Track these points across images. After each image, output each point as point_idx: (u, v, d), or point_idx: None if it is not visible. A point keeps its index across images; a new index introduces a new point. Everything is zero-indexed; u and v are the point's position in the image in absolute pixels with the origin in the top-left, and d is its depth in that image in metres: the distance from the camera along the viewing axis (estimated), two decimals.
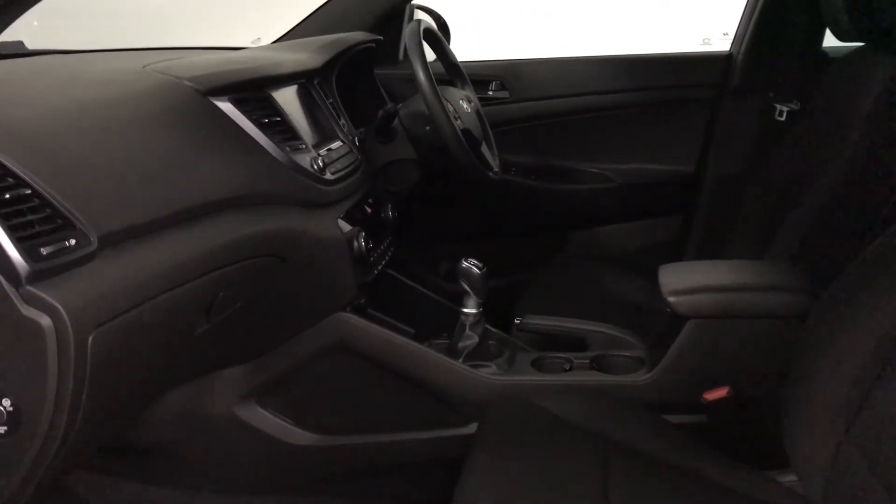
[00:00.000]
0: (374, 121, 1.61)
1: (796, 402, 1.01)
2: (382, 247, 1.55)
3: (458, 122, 1.53)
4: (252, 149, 1.16)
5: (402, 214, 1.65)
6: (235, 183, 1.08)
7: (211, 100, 1.13)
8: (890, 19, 1.53)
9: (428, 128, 1.55)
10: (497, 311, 1.63)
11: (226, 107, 1.15)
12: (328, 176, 1.31)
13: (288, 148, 1.23)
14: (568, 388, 1.36)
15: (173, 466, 1.43)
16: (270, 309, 1.26)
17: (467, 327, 1.46)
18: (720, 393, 1.28)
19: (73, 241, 0.77)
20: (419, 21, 1.54)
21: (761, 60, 1.98)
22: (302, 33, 1.83)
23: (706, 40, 3.07)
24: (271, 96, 1.28)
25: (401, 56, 2.08)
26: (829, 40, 1.79)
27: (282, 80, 1.36)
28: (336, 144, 1.43)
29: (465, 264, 1.44)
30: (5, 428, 0.75)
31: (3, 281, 0.71)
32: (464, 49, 2.16)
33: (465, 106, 1.63)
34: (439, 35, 1.69)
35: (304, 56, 1.49)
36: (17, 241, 0.72)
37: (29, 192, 0.76)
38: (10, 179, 0.75)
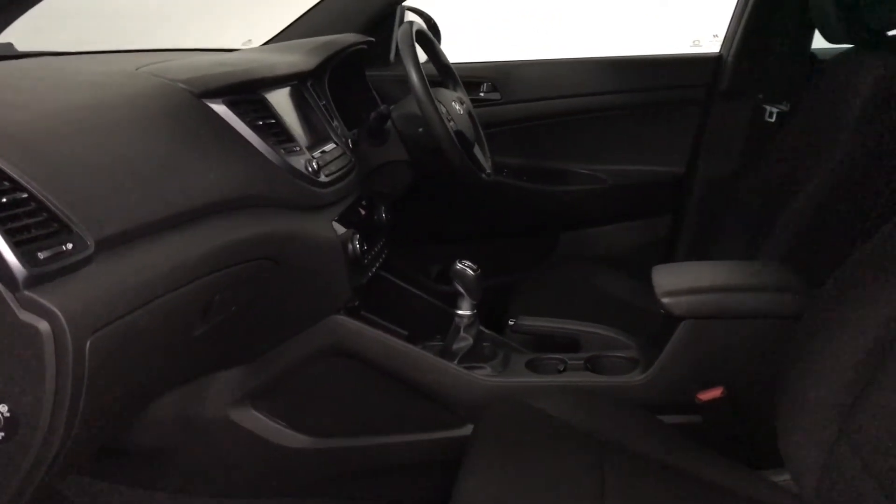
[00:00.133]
0: (366, 122, 1.61)
1: (790, 402, 1.02)
2: (376, 249, 1.55)
3: (451, 123, 1.54)
4: (247, 151, 1.16)
5: (395, 216, 1.65)
6: (231, 186, 1.07)
7: (205, 102, 1.13)
8: (878, 21, 1.55)
9: (421, 129, 1.55)
10: (489, 313, 1.63)
11: (220, 109, 1.15)
12: (322, 178, 1.31)
13: (282, 150, 1.23)
14: (563, 389, 1.36)
15: (167, 470, 1.42)
16: (266, 311, 1.26)
17: (462, 329, 1.46)
18: (714, 393, 1.28)
19: (69, 246, 0.76)
20: (411, 23, 1.54)
21: (751, 62, 1.99)
22: (293, 35, 1.82)
23: (696, 42, 3.09)
24: (265, 98, 1.28)
25: (392, 57, 2.08)
26: (818, 42, 1.80)
27: (275, 82, 1.35)
28: (330, 146, 1.43)
29: (459, 266, 1.44)
30: (2, 434, 0.74)
31: (1, 286, 0.71)
32: (464, 49, 2.17)
33: (457, 107, 1.64)
34: (431, 37, 1.69)
35: (297, 58, 1.49)
36: (15, 246, 0.71)
37: (25, 195, 0.75)
38: (7, 183, 0.74)
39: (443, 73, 1.77)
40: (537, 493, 1.03)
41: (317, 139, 1.42)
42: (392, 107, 1.61)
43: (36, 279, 0.72)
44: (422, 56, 1.59)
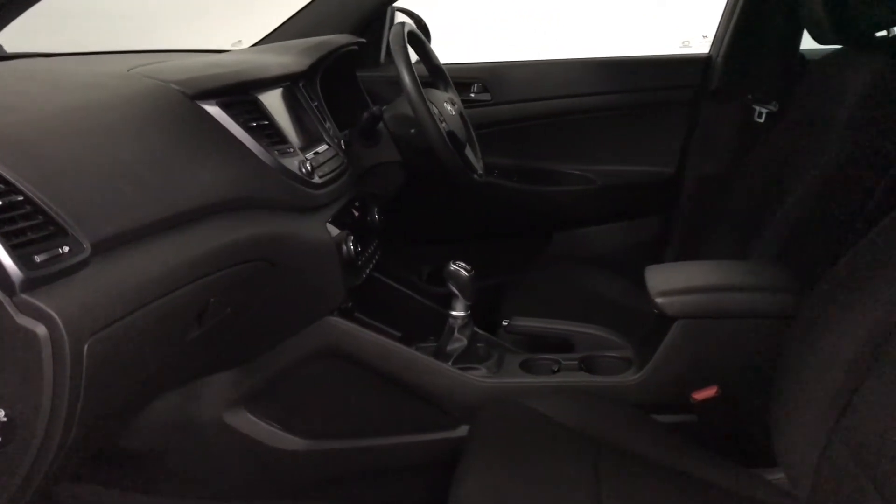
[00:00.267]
0: (358, 123, 1.61)
1: (784, 401, 1.02)
2: (370, 250, 1.54)
3: (444, 124, 1.54)
4: (241, 153, 1.15)
5: (387, 217, 1.65)
6: (225, 187, 1.07)
7: (199, 103, 1.12)
8: (867, 22, 1.56)
9: (413, 130, 1.55)
10: (482, 313, 1.63)
11: (214, 110, 1.14)
12: (316, 179, 1.31)
13: (276, 152, 1.22)
14: (558, 389, 1.36)
15: (161, 474, 1.41)
16: (261, 313, 1.25)
17: (456, 330, 1.46)
18: (709, 392, 1.29)
19: (66, 249, 0.75)
20: (403, 24, 1.54)
21: (740, 63, 2.00)
22: (283, 36, 1.82)
23: (686, 43, 3.10)
24: (258, 99, 1.27)
25: (382, 58, 2.08)
26: (807, 43, 1.81)
27: (268, 84, 1.35)
28: (322, 148, 1.43)
29: (452, 267, 1.44)
30: (0, 438, 0.74)
31: None
32: (462, 50, 2.17)
33: (449, 108, 1.64)
34: (422, 38, 1.69)
35: (289, 59, 1.49)
36: (11, 249, 0.70)
37: (21, 198, 0.74)
38: (2, 186, 0.74)
39: (434, 73, 1.77)
40: (534, 494, 1.03)
41: (309, 140, 1.42)
42: (384, 108, 1.61)
43: (33, 283, 0.71)
44: (413, 57, 1.59)
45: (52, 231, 0.76)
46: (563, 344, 1.53)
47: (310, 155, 1.34)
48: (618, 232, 2.20)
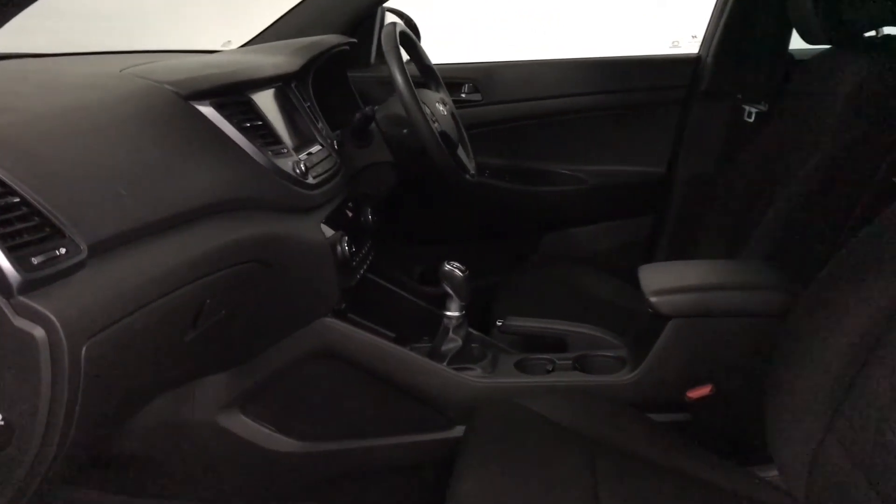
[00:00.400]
0: (350, 124, 1.60)
1: (778, 399, 1.03)
2: (364, 251, 1.54)
3: (436, 125, 1.53)
4: (235, 153, 1.15)
5: (380, 218, 1.65)
6: (220, 188, 1.06)
7: (192, 104, 1.12)
8: (856, 23, 1.58)
9: (405, 131, 1.55)
10: (475, 313, 1.63)
11: (207, 111, 1.13)
12: (310, 180, 1.30)
13: (270, 152, 1.22)
14: (553, 389, 1.36)
15: (156, 477, 1.40)
16: (256, 315, 1.25)
17: (450, 330, 1.46)
18: (703, 391, 1.29)
19: (63, 250, 0.75)
20: (394, 24, 1.54)
21: (729, 63, 2.01)
22: (273, 36, 1.81)
23: (675, 43, 3.11)
24: (252, 100, 1.27)
25: (372, 59, 2.07)
26: (796, 42, 1.82)
27: (261, 84, 1.34)
28: (316, 148, 1.42)
29: (447, 267, 1.44)
30: None
31: None
32: (462, 49, 2.17)
33: (440, 108, 1.63)
34: (414, 38, 1.69)
35: (282, 59, 1.48)
36: (8, 251, 0.70)
37: (17, 200, 0.74)
38: None
39: (425, 74, 1.77)
40: (532, 494, 1.03)
41: (303, 141, 1.41)
42: (376, 108, 1.60)
43: (30, 284, 0.71)
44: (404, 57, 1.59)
45: (49, 233, 0.75)
46: (557, 343, 1.53)
47: (303, 155, 1.34)
48: (609, 232, 2.20)
